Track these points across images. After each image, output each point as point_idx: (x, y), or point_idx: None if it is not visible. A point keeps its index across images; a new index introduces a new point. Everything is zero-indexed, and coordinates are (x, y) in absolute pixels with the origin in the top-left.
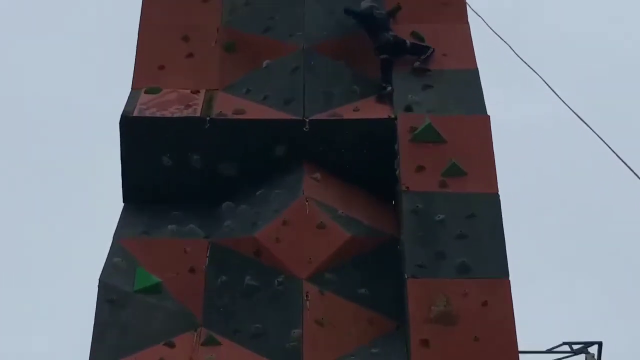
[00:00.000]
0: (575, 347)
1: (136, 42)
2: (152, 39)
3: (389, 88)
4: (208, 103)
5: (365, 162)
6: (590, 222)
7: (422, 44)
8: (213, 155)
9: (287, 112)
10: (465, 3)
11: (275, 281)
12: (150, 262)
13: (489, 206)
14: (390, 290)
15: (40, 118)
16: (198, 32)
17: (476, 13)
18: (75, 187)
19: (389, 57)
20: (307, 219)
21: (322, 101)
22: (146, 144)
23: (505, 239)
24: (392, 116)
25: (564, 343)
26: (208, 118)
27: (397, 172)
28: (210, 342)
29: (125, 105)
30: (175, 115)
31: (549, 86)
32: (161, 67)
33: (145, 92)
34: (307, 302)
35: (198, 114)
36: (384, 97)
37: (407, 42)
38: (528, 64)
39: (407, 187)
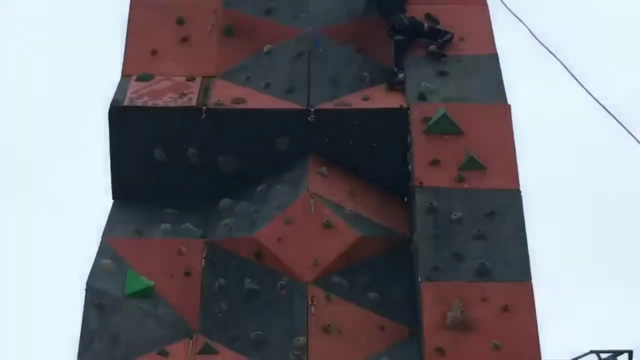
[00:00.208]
0: (603, 355)
1: (126, 25)
2: (144, 22)
3: (402, 75)
4: (205, 91)
5: (375, 155)
6: (621, 222)
7: (441, 28)
8: (210, 148)
9: (290, 101)
10: None
11: (278, 285)
12: (142, 264)
13: (510, 203)
14: (403, 294)
15: (22, 107)
16: (194, 15)
17: None
18: (60, 182)
19: (403, 39)
20: (312, 217)
21: (329, 89)
22: (137, 135)
23: (528, 239)
24: (405, 105)
25: (592, 352)
26: (204, 108)
27: (409, 167)
28: (207, 350)
29: (115, 94)
30: (169, 105)
31: (572, 74)
32: (154, 52)
33: (137, 80)
34: (313, 308)
35: (194, 104)
36: (396, 85)
37: (425, 24)
38: (549, 49)
39: (421, 183)
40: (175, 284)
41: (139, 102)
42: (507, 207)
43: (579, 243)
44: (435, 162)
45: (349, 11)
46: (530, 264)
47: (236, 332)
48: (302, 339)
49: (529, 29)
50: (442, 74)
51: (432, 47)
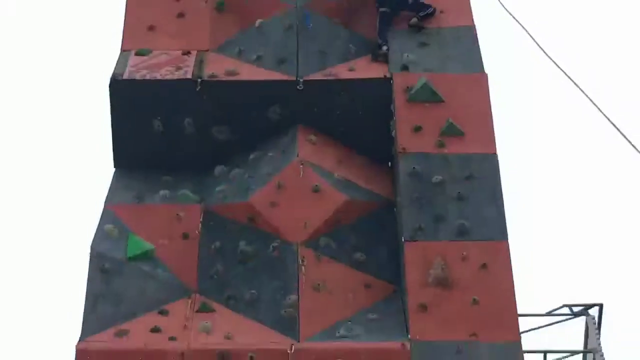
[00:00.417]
0: (575, 309)
1: (125, 1)
2: None
3: (385, 47)
4: (199, 64)
5: (360, 123)
6: (588, 182)
7: (424, 1)
8: (205, 118)
9: (280, 72)
10: None
11: (270, 247)
12: (143, 229)
13: (487, 167)
14: (388, 254)
15: (25, 80)
16: None
17: None
18: (64, 152)
19: (388, 11)
20: (302, 183)
21: (317, 61)
22: (137, 107)
23: (504, 201)
24: (388, 75)
25: (564, 305)
26: (200, 80)
27: (393, 133)
28: (204, 309)
29: (115, 68)
30: (166, 78)
31: (545, 51)
32: (151, 28)
33: (136, 54)
34: (303, 268)
35: (189, 76)
36: (380, 57)
37: None
38: (523, 25)
39: (404, 149)
40: (174, 247)
41: (137, 76)
42: (485, 170)
43: (552, 203)
44: (417, 129)
45: None
46: (507, 224)
47: (231, 291)
48: (293, 297)
49: (524, 29)
50: (423, 45)
51: (413, 20)
